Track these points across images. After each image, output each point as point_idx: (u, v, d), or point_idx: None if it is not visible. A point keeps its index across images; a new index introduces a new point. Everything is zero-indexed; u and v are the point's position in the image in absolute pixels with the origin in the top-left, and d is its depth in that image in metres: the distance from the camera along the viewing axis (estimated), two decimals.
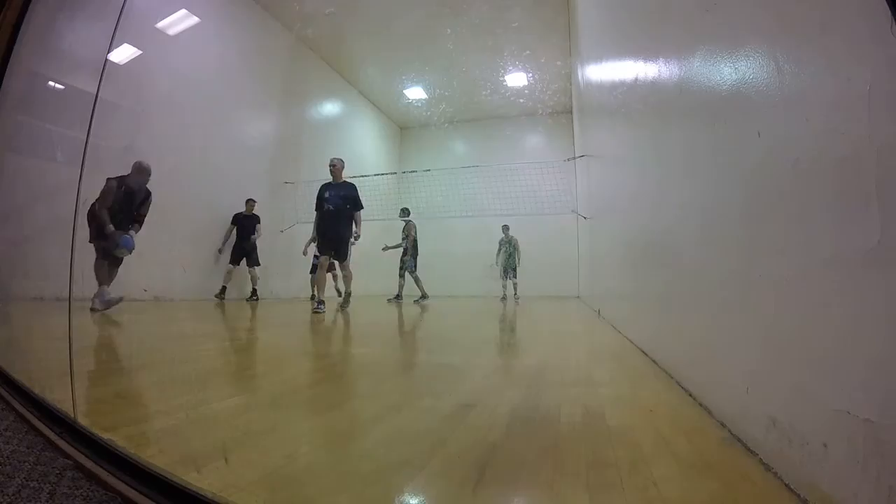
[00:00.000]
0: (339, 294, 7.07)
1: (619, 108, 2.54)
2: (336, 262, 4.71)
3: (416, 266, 7.15)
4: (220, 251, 6.05)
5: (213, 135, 6.19)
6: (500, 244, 8.84)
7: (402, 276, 7.12)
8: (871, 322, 0.50)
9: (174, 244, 5.42)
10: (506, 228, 8.71)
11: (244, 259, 6.07)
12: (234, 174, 6.48)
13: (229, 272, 5.94)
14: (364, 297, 7.40)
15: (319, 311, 4.05)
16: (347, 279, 4.79)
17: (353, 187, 4.59)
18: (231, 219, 6.20)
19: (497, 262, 8.90)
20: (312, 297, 4.35)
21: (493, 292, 9.26)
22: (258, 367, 1.86)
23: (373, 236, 7.45)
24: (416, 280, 7.12)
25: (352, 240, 4.57)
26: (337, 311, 4.31)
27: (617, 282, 3.04)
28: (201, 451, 0.79)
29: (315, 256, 5.44)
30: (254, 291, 6.21)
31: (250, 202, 6.30)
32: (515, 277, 8.73)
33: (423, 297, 7.02)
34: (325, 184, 4.65)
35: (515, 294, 8.73)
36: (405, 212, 7.37)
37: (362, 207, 4.61)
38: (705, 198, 1.09)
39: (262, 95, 7.36)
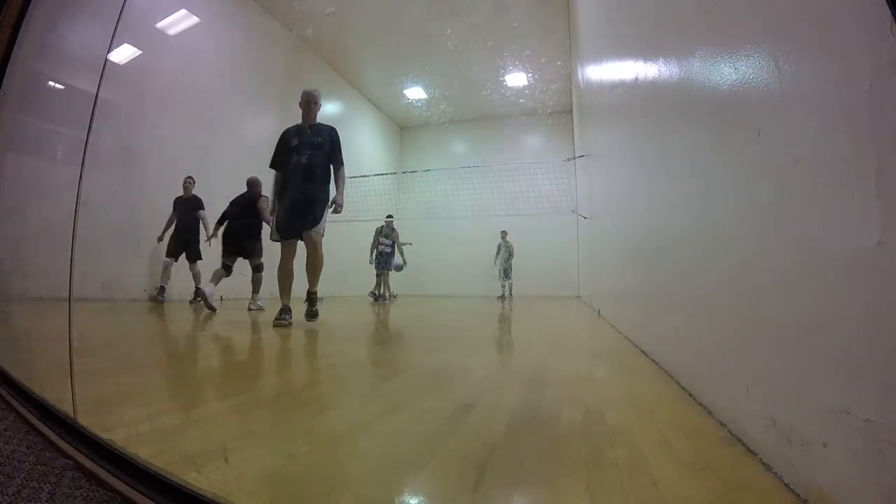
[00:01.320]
0: (376, 297, 7.22)
1: (620, 108, 2.54)
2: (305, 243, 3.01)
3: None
4: (159, 239, 5.08)
5: (212, 134, 6.19)
6: (498, 248, 9.07)
7: (385, 274, 7.44)
8: (871, 322, 0.50)
9: None
10: (504, 234, 8.96)
11: (184, 253, 4.99)
12: (233, 174, 6.46)
13: (167, 268, 4.94)
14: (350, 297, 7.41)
15: (283, 321, 2.81)
16: (315, 267, 3.02)
17: (332, 131, 3.15)
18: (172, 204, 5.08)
19: (496, 264, 9.16)
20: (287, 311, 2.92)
21: (493, 292, 9.31)
22: (255, 370, 1.86)
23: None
24: (384, 281, 7.48)
25: (328, 210, 3.09)
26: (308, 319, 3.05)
27: (617, 282, 3.04)
28: (201, 451, 0.79)
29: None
30: (197, 291, 4.83)
31: (187, 181, 5.06)
32: (511, 279, 9.02)
33: (379, 297, 7.32)
34: (292, 127, 3.19)
35: (510, 294, 9.00)
36: (390, 215, 7.68)
37: (342, 164, 3.14)
38: (705, 197, 1.09)
39: (262, 95, 7.36)
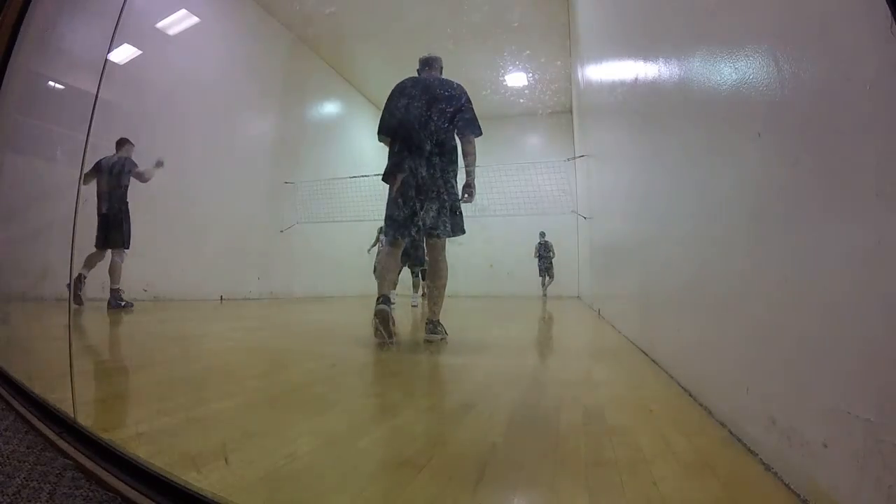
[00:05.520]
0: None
1: (620, 108, 2.54)
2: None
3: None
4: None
5: (212, 135, 6.19)
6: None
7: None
8: (870, 322, 0.50)
9: (174, 244, 5.43)
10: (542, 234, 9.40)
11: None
12: (233, 174, 6.48)
13: (90, 259, 3.59)
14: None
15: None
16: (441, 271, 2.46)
17: (459, 88, 2.41)
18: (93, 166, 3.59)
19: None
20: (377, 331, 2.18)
21: (492, 290, 9.31)
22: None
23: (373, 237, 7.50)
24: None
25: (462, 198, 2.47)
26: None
27: (616, 282, 3.04)
28: (202, 451, 0.79)
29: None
30: (114, 294, 3.60)
31: (123, 145, 3.78)
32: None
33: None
34: (408, 80, 2.53)
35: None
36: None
37: (478, 133, 2.40)
38: (705, 198, 1.09)
39: (262, 95, 7.36)
